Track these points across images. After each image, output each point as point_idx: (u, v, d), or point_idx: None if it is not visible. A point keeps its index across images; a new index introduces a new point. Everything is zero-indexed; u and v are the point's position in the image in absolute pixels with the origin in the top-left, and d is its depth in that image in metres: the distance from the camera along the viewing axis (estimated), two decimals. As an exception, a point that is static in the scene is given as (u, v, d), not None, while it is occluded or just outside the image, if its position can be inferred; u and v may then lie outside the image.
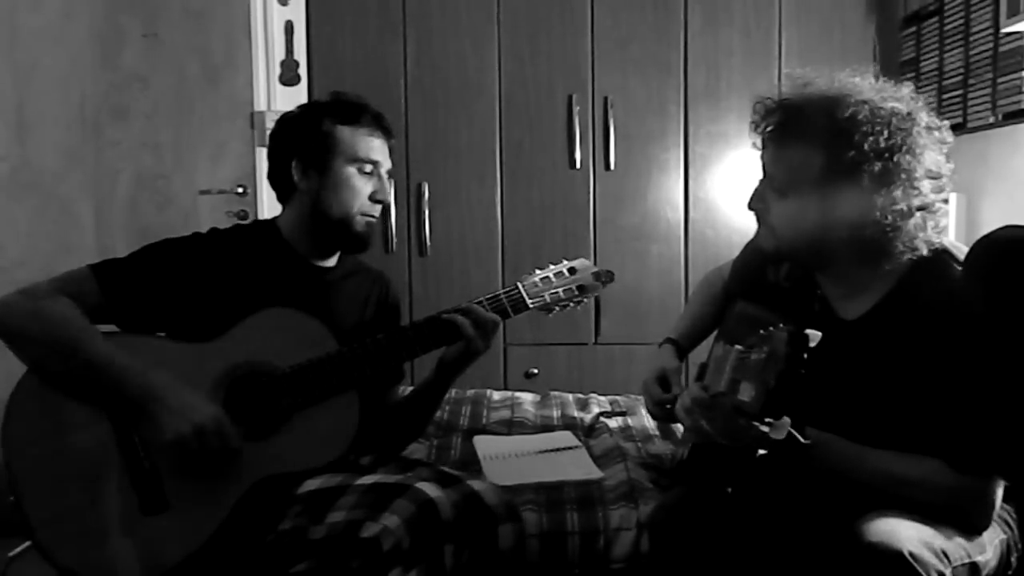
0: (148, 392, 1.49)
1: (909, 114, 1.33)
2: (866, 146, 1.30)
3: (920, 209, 1.33)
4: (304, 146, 1.70)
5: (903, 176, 1.31)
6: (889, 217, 1.31)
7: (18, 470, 1.50)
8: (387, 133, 1.75)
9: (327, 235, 1.71)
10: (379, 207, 1.72)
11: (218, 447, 1.48)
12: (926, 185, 1.33)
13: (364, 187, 1.69)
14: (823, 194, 1.33)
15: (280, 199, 1.77)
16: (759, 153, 1.42)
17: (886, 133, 1.30)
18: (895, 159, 1.30)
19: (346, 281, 1.78)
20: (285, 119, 1.76)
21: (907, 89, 1.38)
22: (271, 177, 1.77)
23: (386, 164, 1.73)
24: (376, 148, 1.71)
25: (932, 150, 1.34)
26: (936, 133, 1.35)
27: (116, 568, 1.47)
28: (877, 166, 1.30)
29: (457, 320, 1.59)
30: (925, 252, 1.35)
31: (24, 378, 1.55)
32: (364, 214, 1.69)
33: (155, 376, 1.51)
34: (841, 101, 1.33)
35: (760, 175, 1.42)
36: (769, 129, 1.38)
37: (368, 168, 1.69)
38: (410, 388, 1.85)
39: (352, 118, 1.70)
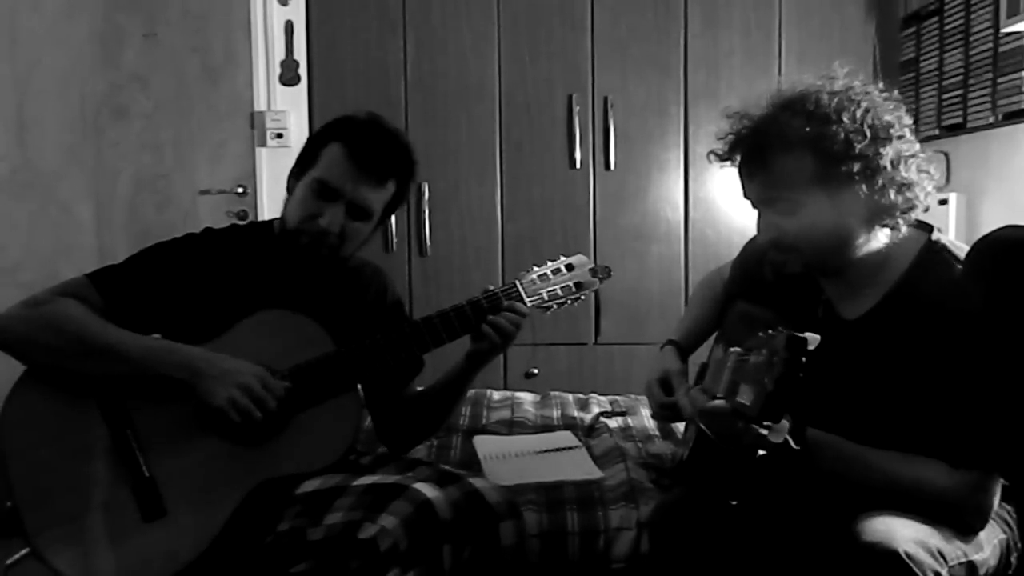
0: (186, 367, 1.50)
1: (862, 83, 1.36)
2: (847, 126, 1.30)
3: (910, 158, 1.34)
4: (304, 152, 1.68)
5: (888, 135, 1.32)
6: (894, 184, 1.32)
7: (15, 477, 1.49)
8: (378, 180, 1.62)
9: (284, 242, 1.66)
10: (321, 231, 1.60)
11: (267, 399, 1.49)
12: (908, 138, 1.34)
13: (312, 206, 1.60)
14: (828, 190, 1.32)
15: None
16: (745, 189, 1.41)
17: (854, 108, 1.32)
18: (874, 125, 1.31)
19: (342, 276, 1.75)
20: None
21: (841, 70, 1.39)
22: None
23: (352, 196, 1.60)
24: (348, 180, 1.59)
25: (896, 109, 1.36)
26: (884, 93, 1.37)
27: None
28: (865, 141, 1.30)
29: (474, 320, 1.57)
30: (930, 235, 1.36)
31: (17, 385, 1.54)
32: (306, 232, 1.61)
33: (185, 350, 1.52)
34: (804, 97, 1.34)
35: (758, 210, 1.41)
36: (748, 156, 1.37)
37: (328, 194, 1.60)
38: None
39: (353, 149, 1.61)
